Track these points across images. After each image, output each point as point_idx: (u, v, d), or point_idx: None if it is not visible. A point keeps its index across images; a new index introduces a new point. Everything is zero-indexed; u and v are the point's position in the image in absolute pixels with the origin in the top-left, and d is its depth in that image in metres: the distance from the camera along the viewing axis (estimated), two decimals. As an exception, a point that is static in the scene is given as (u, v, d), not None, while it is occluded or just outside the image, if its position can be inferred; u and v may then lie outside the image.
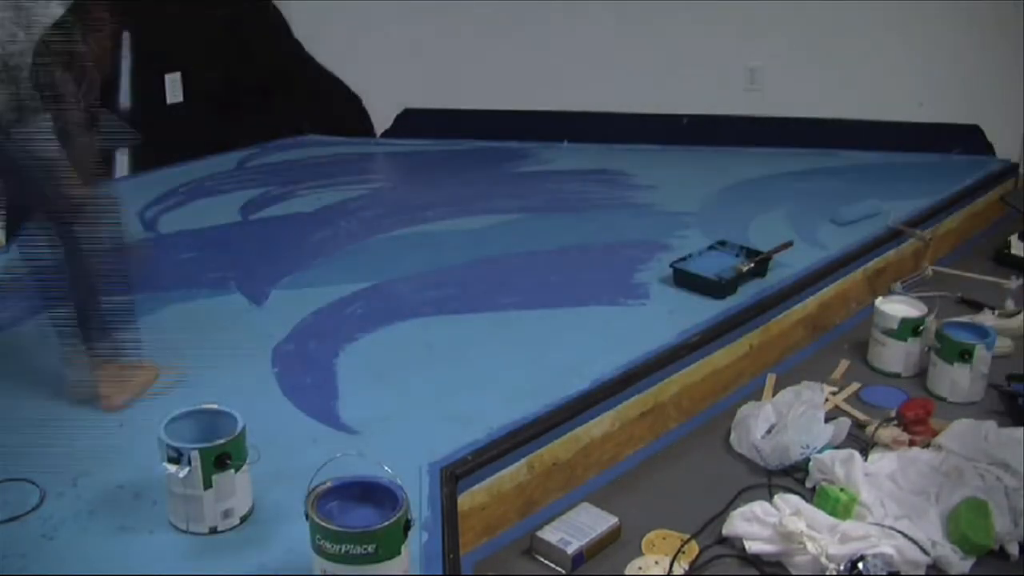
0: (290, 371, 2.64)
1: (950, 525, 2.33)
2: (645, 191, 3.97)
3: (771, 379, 2.99)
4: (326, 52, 4.46)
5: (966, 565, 2.28)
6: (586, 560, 2.28)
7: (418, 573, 1.92)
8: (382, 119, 4.58)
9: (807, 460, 2.58)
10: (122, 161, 4.03)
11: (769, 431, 2.68)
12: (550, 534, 2.31)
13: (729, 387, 2.95)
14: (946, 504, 2.39)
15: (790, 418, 2.67)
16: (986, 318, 3.24)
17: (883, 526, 2.32)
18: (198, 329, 2.86)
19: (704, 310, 2.95)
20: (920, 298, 3.17)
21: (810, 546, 2.24)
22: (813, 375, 3.04)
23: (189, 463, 1.96)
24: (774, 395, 2.87)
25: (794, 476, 2.58)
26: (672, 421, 2.78)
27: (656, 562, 2.28)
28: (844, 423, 2.70)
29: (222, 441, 1.99)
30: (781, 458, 2.59)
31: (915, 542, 2.27)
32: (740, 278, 3.09)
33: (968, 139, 4.35)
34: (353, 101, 4.54)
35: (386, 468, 1.89)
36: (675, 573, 2.26)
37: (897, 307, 3.10)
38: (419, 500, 2.09)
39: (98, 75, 2.45)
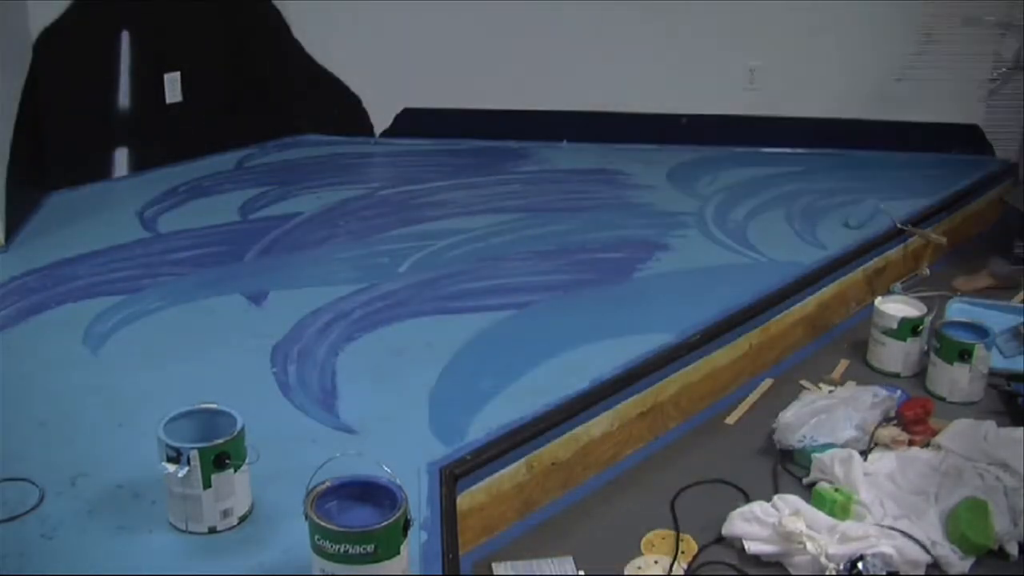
0: (289, 371, 2.64)
1: (949, 525, 2.33)
2: (644, 191, 3.97)
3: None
4: (326, 52, 4.46)
5: (966, 565, 2.28)
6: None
7: (417, 573, 1.92)
8: (382, 119, 4.58)
9: (805, 453, 2.58)
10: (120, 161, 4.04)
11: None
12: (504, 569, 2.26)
13: (728, 387, 2.95)
14: (945, 504, 2.39)
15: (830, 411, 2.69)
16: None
17: (883, 526, 2.32)
18: (198, 329, 2.86)
19: (703, 310, 2.95)
20: (919, 298, 3.17)
21: (809, 546, 2.24)
22: (812, 375, 3.05)
23: (188, 463, 1.96)
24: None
25: (794, 475, 2.59)
26: (671, 421, 2.78)
27: (656, 562, 2.28)
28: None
29: (221, 441, 1.99)
30: (786, 438, 2.63)
31: (916, 541, 2.27)
32: None
33: (968, 139, 4.35)
34: (353, 101, 4.54)
35: (385, 468, 1.89)
36: (675, 573, 2.26)
37: (896, 307, 3.10)
38: (418, 500, 2.08)
39: None
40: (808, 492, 2.48)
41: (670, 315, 2.92)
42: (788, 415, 2.69)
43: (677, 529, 2.39)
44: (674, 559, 2.28)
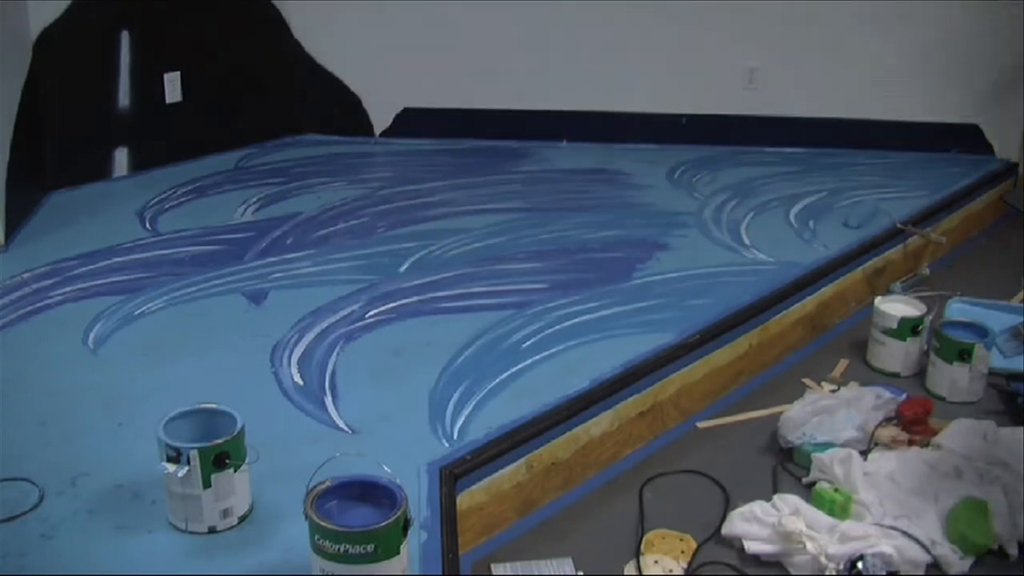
0: (289, 370, 2.64)
1: (949, 525, 2.33)
2: (644, 190, 3.97)
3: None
4: (326, 52, 4.46)
5: (965, 565, 2.28)
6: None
7: (417, 573, 1.92)
8: (382, 119, 4.58)
9: (803, 450, 2.59)
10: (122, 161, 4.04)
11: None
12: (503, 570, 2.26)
13: (728, 386, 2.95)
14: (945, 504, 2.39)
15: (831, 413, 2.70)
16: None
17: (882, 526, 2.32)
18: (198, 329, 2.86)
19: (703, 309, 2.95)
20: (919, 298, 3.17)
21: (809, 546, 2.24)
22: (813, 374, 3.05)
23: (188, 462, 1.96)
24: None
25: (794, 475, 2.59)
26: (671, 420, 2.78)
27: (655, 562, 2.28)
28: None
29: (221, 441, 1.99)
30: (787, 433, 2.64)
31: (916, 540, 2.27)
32: None
33: (968, 139, 4.35)
34: (353, 101, 4.54)
35: (385, 467, 1.89)
36: (675, 573, 2.26)
37: (896, 306, 3.10)
38: (418, 499, 2.09)
39: None
40: (808, 492, 2.48)
41: (670, 315, 2.93)
42: (792, 412, 2.69)
43: (674, 530, 2.39)
44: (675, 560, 2.27)
